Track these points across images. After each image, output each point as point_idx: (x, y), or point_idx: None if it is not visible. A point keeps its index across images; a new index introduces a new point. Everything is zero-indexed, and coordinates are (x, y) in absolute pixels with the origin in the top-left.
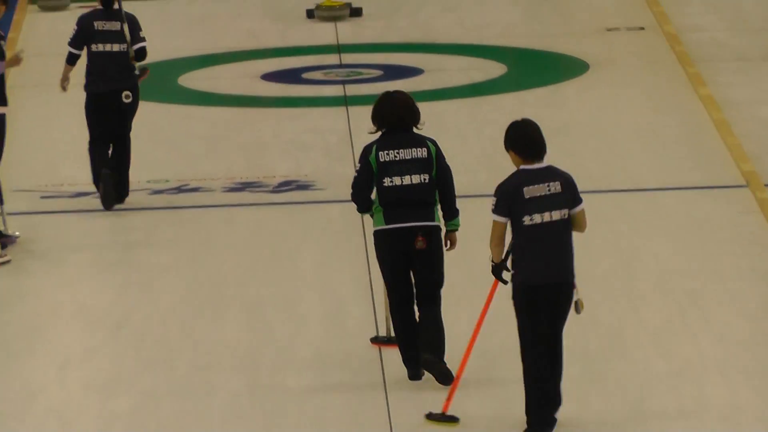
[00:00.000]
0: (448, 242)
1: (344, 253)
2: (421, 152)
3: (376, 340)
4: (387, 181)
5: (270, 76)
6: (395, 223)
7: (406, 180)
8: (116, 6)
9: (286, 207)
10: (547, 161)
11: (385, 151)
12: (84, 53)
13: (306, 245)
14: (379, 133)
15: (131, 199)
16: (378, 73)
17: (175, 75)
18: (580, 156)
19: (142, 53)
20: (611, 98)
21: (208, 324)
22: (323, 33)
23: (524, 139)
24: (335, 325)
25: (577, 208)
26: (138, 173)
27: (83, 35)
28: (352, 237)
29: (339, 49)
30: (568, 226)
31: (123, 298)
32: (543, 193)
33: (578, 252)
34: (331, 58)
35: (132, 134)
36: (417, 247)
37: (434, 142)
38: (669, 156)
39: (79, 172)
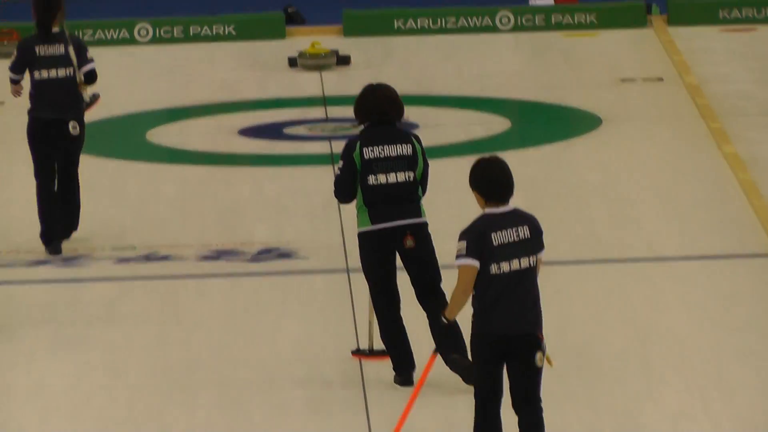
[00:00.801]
0: None
1: (330, 330)
2: (406, 149)
3: (358, 353)
4: (371, 179)
5: (248, 131)
6: (382, 222)
7: (391, 178)
8: (56, 29)
9: (266, 278)
10: (512, 205)
11: (369, 148)
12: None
13: (288, 320)
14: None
15: (93, 270)
16: None
17: (143, 130)
18: (591, 221)
19: (91, 76)
20: (626, 156)
21: (178, 408)
22: (307, 83)
23: (490, 179)
24: (320, 410)
25: (539, 255)
26: (101, 239)
27: (23, 61)
28: (338, 311)
29: (325, 101)
30: (535, 273)
31: (84, 378)
32: (512, 240)
33: (591, 327)
34: (316, 112)
35: (94, 195)
36: (406, 247)
37: (418, 139)
38: (690, 221)
39: (37, 238)
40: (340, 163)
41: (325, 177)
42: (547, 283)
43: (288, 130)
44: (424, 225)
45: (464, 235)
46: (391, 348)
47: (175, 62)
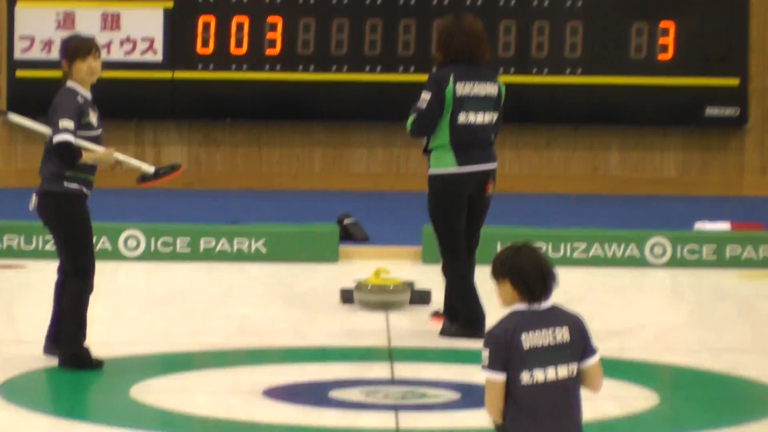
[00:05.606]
0: None
1: None
2: (493, 89)
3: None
4: (462, 118)
5: (278, 393)
6: (470, 164)
7: (479, 118)
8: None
9: None
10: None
11: (462, 83)
12: None
13: None
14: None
15: None
16: (452, 395)
17: (126, 384)
18: None
19: (57, 149)
20: None
21: None
22: (367, 328)
23: (527, 268)
24: None
25: (590, 361)
26: None
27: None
28: None
29: (391, 355)
30: (577, 385)
31: None
32: (547, 343)
33: None
34: (378, 369)
35: None
36: (488, 193)
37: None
38: None
39: None
40: (426, 96)
41: None
42: None
43: (336, 394)
44: None
45: (487, 340)
46: (467, 300)
47: (176, 289)
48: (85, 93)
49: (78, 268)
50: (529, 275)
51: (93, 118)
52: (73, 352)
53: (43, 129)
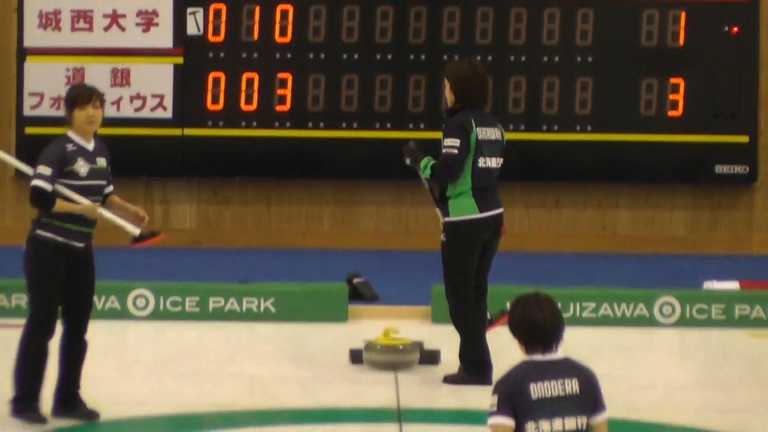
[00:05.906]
0: None
1: None
2: (499, 133)
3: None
4: (481, 162)
5: None
6: (490, 209)
7: (492, 162)
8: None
9: None
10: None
11: (481, 128)
12: None
13: None
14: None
15: None
16: None
17: None
18: None
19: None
20: None
21: None
22: (376, 388)
23: (531, 320)
24: None
25: (599, 417)
26: None
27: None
28: None
29: (400, 416)
30: None
31: None
32: (555, 394)
33: None
34: (387, 430)
35: None
36: (502, 236)
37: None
38: None
39: None
40: (456, 142)
41: None
42: None
43: None
44: None
45: (496, 388)
46: (475, 343)
47: (185, 348)
48: (81, 142)
49: (34, 318)
50: (518, 327)
51: (82, 167)
52: (15, 399)
53: (25, 168)
